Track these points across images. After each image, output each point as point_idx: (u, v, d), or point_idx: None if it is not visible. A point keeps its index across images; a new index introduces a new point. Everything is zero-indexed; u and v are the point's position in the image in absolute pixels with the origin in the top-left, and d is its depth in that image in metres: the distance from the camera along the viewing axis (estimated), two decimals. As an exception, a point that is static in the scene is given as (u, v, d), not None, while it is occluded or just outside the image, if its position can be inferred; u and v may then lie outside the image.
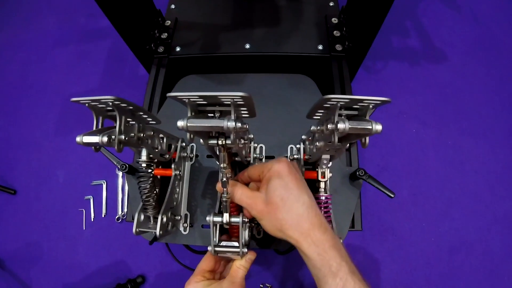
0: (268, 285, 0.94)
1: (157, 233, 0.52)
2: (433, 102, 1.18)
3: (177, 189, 0.61)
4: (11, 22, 1.66)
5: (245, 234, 0.48)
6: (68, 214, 1.14)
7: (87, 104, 0.38)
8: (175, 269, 1.01)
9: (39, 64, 1.48)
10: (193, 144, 0.66)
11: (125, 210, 1.10)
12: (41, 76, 1.44)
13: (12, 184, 1.22)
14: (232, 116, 0.35)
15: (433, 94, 1.20)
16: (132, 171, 0.63)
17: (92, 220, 1.11)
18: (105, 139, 0.37)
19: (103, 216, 1.11)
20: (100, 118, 0.42)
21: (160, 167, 0.60)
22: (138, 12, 0.76)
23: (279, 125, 0.67)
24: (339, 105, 0.35)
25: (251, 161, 0.58)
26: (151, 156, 0.52)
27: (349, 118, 0.38)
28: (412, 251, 0.98)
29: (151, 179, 0.53)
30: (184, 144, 0.63)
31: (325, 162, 0.49)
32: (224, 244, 0.47)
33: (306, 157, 0.55)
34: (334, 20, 0.84)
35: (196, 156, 0.65)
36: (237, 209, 0.50)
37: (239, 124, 0.34)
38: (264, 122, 0.67)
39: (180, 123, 0.34)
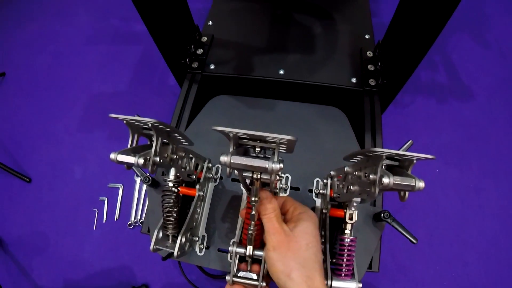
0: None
1: (175, 253, 0.51)
2: (457, 141, 1.16)
3: (198, 210, 0.61)
4: (46, 13, 1.70)
5: (265, 268, 0.47)
6: (80, 211, 1.14)
7: (125, 122, 0.39)
8: (180, 283, 1.00)
9: (69, 58, 1.50)
10: (218, 165, 0.66)
11: (138, 217, 1.10)
12: (70, 70, 1.46)
13: (28, 172, 1.23)
14: (276, 158, 0.35)
15: (458, 132, 1.18)
16: (154, 184, 0.63)
17: (104, 221, 1.10)
18: (141, 161, 0.37)
19: (115, 219, 1.10)
20: (136, 136, 0.42)
21: (183, 185, 0.60)
22: (177, 26, 0.77)
23: (307, 156, 0.66)
24: (384, 157, 0.34)
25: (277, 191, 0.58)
26: (179, 175, 0.52)
27: (390, 168, 0.38)
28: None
29: (175, 197, 0.53)
30: (210, 164, 0.63)
31: (355, 204, 0.49)
32: (242, 275, 0.46)
33: (334, 195, 0.54)
34: (369, 54, 0.84)
35: (221, 178, 0.65)
36: (260, 241, 0.49)
37: (282, 165, 0.34)
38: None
39: (224, 159, 0.34)
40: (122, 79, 1.39)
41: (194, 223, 0.60)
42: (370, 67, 0.81)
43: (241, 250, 0.44)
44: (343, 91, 0.78)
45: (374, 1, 1.47)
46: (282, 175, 0.62)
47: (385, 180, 0.32)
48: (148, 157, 0.39)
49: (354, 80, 0.79)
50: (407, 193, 0.36)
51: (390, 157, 0.37)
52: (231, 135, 0.35)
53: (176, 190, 0.53)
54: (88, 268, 1.06)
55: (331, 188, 0.56)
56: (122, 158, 0.37)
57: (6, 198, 1.21)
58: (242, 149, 0.39)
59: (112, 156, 0.37)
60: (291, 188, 0.63)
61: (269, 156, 0.37)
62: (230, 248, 0.45)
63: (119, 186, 1.14)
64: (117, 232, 1.09)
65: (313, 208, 0.61)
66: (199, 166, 0.60)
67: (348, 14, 0.94)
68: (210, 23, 0.93)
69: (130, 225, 1.08)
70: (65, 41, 1.57)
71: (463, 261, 0.99)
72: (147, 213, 0.67)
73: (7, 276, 1.08)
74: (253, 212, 0.41)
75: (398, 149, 0.65)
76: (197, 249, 0.61)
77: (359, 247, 0.57)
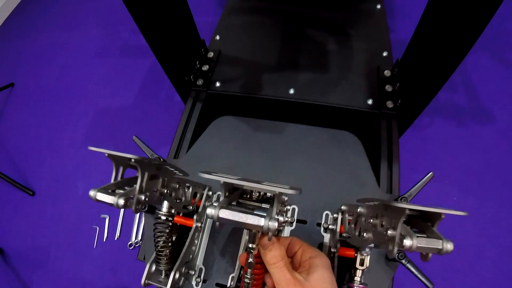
0: None
1: None
2: (477, 167, 1.09)
3: (196, 241, 0.56)
4: (55, 25, 1.72)
5: None
6: (81, 228, 1.12)
7: (106, 155, 0.35)
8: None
9: (77, 70, 1.51)
10: (219, 193, 0.61)
11: (139, 238, 1.06)
12: (77, 83, 1.46)
13: (32, 184, 1.23)
14: (274, 212, 0.31)
15: (477, 158, 1.11)
16: (151, 209, 0.59)
17: (104, 240, 1.07)
18: (122, 202, 0.33)
19: (115, 238, 1.07)
20: (121, 169, 0.38)
21: (181, 214, 0.55)
22: (181, 40, 0.73)
23: (316, 186, 0.61)
24: (407, 212, 0.29)
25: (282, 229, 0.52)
26: (173, 208, 0.48)
27: (411, 219, 0.32)
28: None
29: (168, 230, 0.49)
30: (210, 192, 0.58)
31: (367, 250, 0.44)
32: None
33: (344, 234, 0.49)
34: (387, 73, 0.78)
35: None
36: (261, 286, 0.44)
37: (281, 219, 0.30)
38: (299, 180, 0.62)
39: (211, 212, 0.30)
40: (130, 93, 1.38)
41: (191, 256, 0.55)
42: (388, 88, 0.75)
43: None
44: (358, 114, 0.72)
45: (392, 17, 1.42)
46: (289, 206, 0.56)
47: (407, 243, 0.27)
48: (132, 195, 0.34)
49: (370, 101, 0.73)
50: (430, 253, 0.31)
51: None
52: (222, 182, 0.31)
53: (169, 224, 0.49)
54: (88, 287, 1.03)
55: (341, 223, 0.51)
56: (102, 197, 0.33)
57: (9, 210, 1.21)
58: (238, 192, 0.34)
59: (91, 193, 0.33)
60: (298, 221, 0.57)
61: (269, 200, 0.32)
62: None
63: (121, 205, 1.11)
64: (117, 252, 1.06)
65: (321, 244, 0.55)
66: (198, 195, 0.56)
67: (364, 29, 0.89)
68: (218, 37, 0.89)
69: (130, 245, 1.04)
70: (73, 53, 1.58)
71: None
72: (143, 240, 0.62)
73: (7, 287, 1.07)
74: (250, 260, 0.36)
75: (417, 182, 0.60)
76: (193, 283, 0.56)
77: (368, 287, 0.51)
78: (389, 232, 0.30)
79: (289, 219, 0.55)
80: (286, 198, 0.32)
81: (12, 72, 1.56)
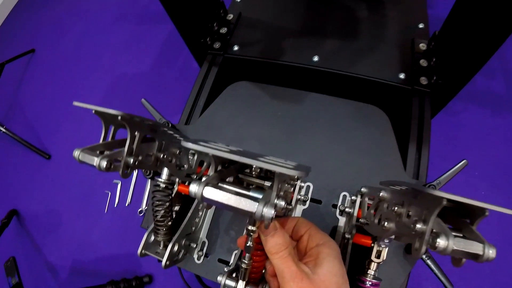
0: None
1: (163, 263, 0.44)
2: (510, 163, 1.00)
3: (200, 213, 0.52)
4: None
5: None
6: (93, 193, 1.12)
7: (93, 111, 0.30)
8: (185, 277, 0.96)
9: (95, 38, 1.50)
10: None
11: (149, 205, 1.06)
12: (95, 50, 1.46)
13: (48, 149, 1.24)
14: (272, 197, 0.25)
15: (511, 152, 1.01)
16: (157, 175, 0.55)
17: (115, 206, 1.07)
18: (104, 164, 0.29)
19: (126, 204, 1.07)
20: (112, 128, 0.33)
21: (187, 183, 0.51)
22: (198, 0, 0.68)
23: (335, 163, 0.55)
24: (444, 203, 0.23)
25: (293, 204, 0.47)
26: (174, 176, 0.44)
27: (444, 212, 0.27)
28: None
29: (168, 200, 0.44)
30: (219, 161, 0.53)
31: (386, 241, 0.38)
32: None
33: (361, 220, 0.43)
34: (422, 46, 0.70)
35: (230, 177, 0.56)
36: (261, 273, 0.38)
37: (282, 204, 0.25)
38: (317, 156, 0.56)
39: (193, 189, 0.25)
40: (146, 60, 1.35)
41: (193, 228, 0.51)
42: (423, 63, 0.67)
43: (231, 284, 0.35)
44: (388, 88, 0.65)
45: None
46: (303, 184, 0.51)
47: (441, 243, 0.22)
48: (119, 158, 0.30)
49: (402, 76, 0.66)
50: (464, 259, 0.26)
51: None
52: (211, 155, 0.26)
53: (169, 192, 0.44)
54: (96, 251, 1.04)
55: (359, 207, 0.45)
56: (84, 157, 0.29)
57: (26, 173, 1.23)
58: (236, 166, 0.29)
59: (75, 153, 0.29)
60: (312, 200, 0.52)
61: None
62: (219, 279, 0.36)
63: (134, 171, 1.10)
64: (127, 218, 1.06)
65: (335, 228, 0.50)
66: (205, 163, 0.51)
67: (400, -2, 0.80)
68: (239, -1, 0.83)
69: (140, 212, 1.04)
70: (91, 20, 1.57)
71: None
72: (148, 208, 0.60)
73: (21, 250, 1.09)
74: (249, 243, 0.32)
75: (449, 170, 0.54)
76: (195, 256, 0.52)
77: (382, 282, 0.46)
78: (417, 226, 0.24)
79: (302, 197, 0.50)
80: (297, 175, 0.27)
81: (32, 39, 1.57)
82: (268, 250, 0.32)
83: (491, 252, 0.23)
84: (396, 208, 0.30)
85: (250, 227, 0.30)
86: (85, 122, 1.26)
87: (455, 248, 0.22)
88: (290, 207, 0.48)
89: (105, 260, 1.02)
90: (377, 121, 0.58)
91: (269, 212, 0.24)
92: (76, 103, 0.29)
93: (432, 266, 0.46)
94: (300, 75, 0.69)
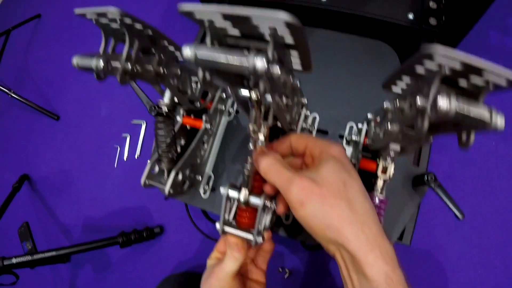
0: (286, 270, 0.86)
1: (166, 190, 0.43)
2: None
3: (205, 145, 0.53)
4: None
5: (265, 220, 0.37)
6: (103, 149, 1.13)
7: (94, 20, 0.31)
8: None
9: (102, 0, 1.46)
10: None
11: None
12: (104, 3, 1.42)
13: (57, 110, 1.24)
14: (269, 53, 0.23)
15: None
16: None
17: (125, 159, 1.09)
18: (101, 63, 0.29)
19: (136, 157, 1.08)
20: (112, 41, 0.34)
21: (192, 115, 0.52)
22: None
23: (342, 95, 0.56)
24: (444, 70, 0.22)
25: (298, 131, 0.48)
26: (177, 100, 0.43)
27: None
28: (453, 280, 0.84)
29: (171, 125, 0.44)
30: (224, 95, 0.54)
31: (391, 154, 0.36)
32: (235, 224, 0.37)
33: (367, 141, 0.44)
34: (432, -13, 0.69)
35: (237, 112, 0.57)
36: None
37: (276, 68, 0.22)
38: (324, 88, 0.57)
39: (186, 51, 0.23)
40: (158, 7, 1.33)
41: (198, 160, 0.51)
42: (432, 5, 0.67)
43: (234, 194, 0.35)
44: (396, 28, 0.65)
45: None
46: (309, 113, 0.52)
47: (442, 103, 0.20)
48: (118, 61, 0.31)
49: (411, 16, 0.65)
50: (472, 134, 0.25)
51: (452, 79, 0.24)
52: (205, 21, 0.24)
53: (170, 117, 0.44)
54: (107, 206, 1.06)
55: (366, 135, 0.46)
56: (81, 61, 0.30)
57: (35, 136, 1.24)
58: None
59: (74, 60, 0.30)
60: (318, 131, 0.53)
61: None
62: (222, 190, 0.35)
63: (142, 123, 1.10)
64: (137, 171, 1.05)
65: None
66: (210, 95, 0.51)
67: None
68: None
69: (150, 162, 1.05)
70: None
71: (506, 251, 0.85)
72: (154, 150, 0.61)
73: (33, 212, 1.11)
74: (251, 147, 0.33)
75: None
76: (201, 190, 0.53)
77: (391, 213, 0.47)
78: (419, 102, 0.23)
79: (309, 127, 0.51)
80: (296, 82, 0.25)
81: (39, 4, 1.54)
82: (263, 174, 0.31)
83: (499, 118, 0.21)
84: (398, 104, 0.30)
85: (251, 127, 0.31)
86: (92, 82, 1.25)
87: (459, 108, 0.20)
88: (308, 127, 0.48)
89: (116, 214, 1.05)
90: (385, 56, 0.58)
91: (260, 63, 0.21)
92: (77, 10, 0.30)
93: (442, 195, 0.46)
94: (307, 16, 0.69)
